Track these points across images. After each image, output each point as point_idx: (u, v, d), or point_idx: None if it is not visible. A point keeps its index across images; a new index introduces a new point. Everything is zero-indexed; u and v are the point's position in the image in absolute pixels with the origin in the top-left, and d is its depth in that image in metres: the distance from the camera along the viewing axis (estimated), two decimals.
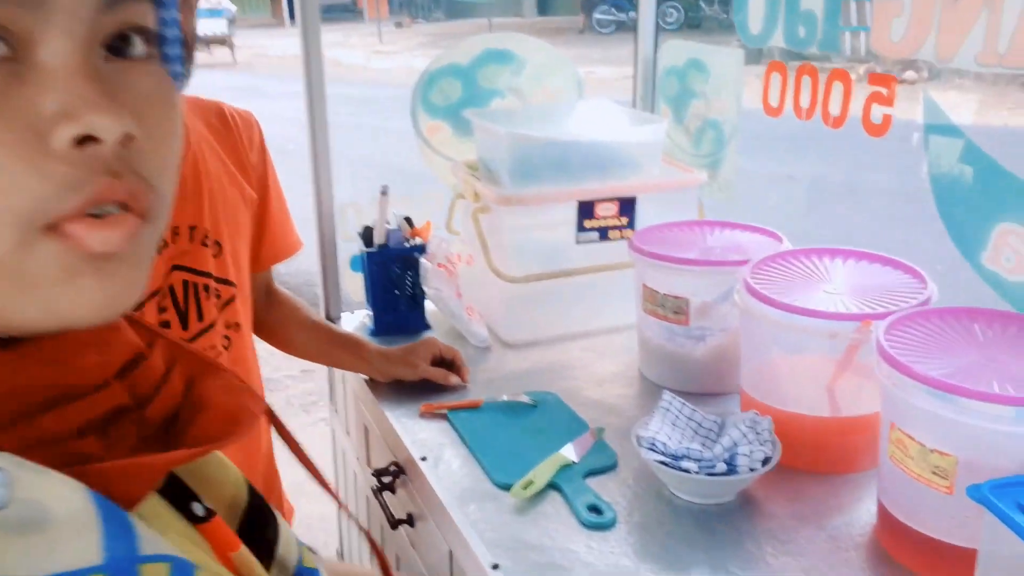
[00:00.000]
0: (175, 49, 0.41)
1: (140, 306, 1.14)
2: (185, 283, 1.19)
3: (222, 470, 0.54)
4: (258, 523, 0.53)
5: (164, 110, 0.41)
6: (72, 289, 0.38)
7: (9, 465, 0.35)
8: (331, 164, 1.69)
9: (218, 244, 1.22)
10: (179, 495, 0.47)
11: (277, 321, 1.41)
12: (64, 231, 0.37)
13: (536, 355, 1.58)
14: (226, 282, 1.24)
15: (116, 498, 0.38)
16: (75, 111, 0.36)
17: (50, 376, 0.41)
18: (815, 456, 1.18)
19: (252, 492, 0.55)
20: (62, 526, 0.34)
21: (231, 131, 1.29)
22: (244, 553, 0.47)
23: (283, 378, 3.77)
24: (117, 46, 0.39)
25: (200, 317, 1.21)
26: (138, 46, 0.40)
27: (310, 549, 0.57)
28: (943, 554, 0.94)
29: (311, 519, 2.43)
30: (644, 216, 1.60)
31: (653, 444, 1.13)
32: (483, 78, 1.86)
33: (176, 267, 1.18)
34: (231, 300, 1.26)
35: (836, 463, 1.18)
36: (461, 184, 1.74)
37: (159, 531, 0.40)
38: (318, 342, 1.46)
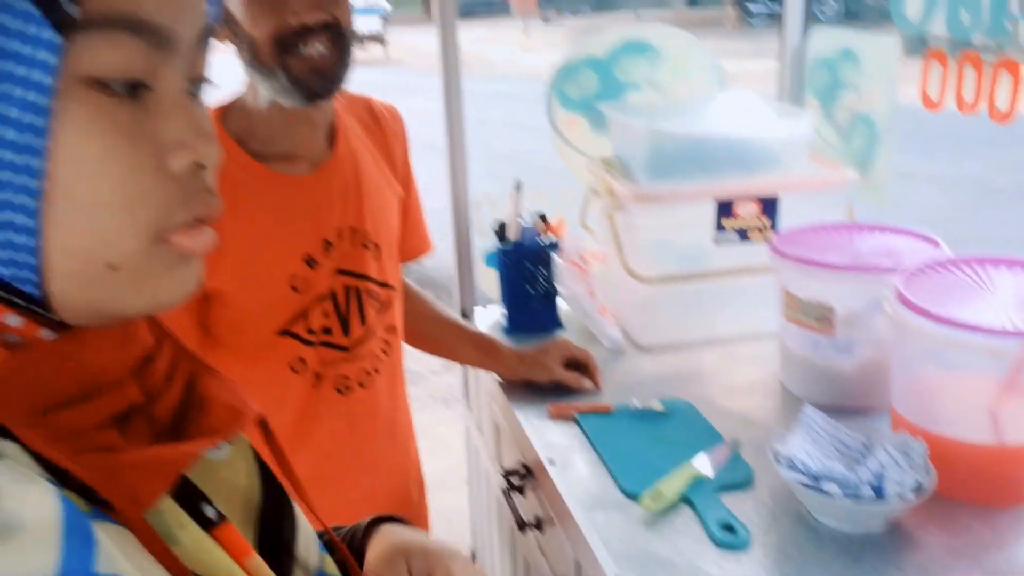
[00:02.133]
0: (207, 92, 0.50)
1: (306, 313, 1.16)
2: (347, 288, 1.19)
3: (231, 469, 0.55)
4: (274, 523, 0.55)
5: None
6: (170, 281, 0.46)
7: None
8: (467, 159, 1.70)
9: (377, 246, 1.23)
10: (189, 498, 0.49)
11: (409, 316, 1.41)
12: (169, 239, 0.45)
13: (670, 360, 1.53)
14: (385, 285, 1.25)
15: (136, 494, 0.42)
16: (189, 141, 0.44)
17: (76, 371, 0.45)
18: (975, 486, 1.07)
19: (267, 489, 0.56)
20: (28, 535, 0.38)
21: (380, 126, 1.30)
22: (257, 561, 0.49)
23: (425, 372, 3.85)
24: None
25: (363, 321, 1.21)
26: (199, 88, 0.49)
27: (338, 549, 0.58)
28: None
29: (450, 512, 2.47)
30: (788, 216, 1.52)
31: (792, 462, 1.07)
32: (620, 71, 1.82)
33: (339, 271, 1.18)
34: (389, 303, 1.26)
35: (999, 495, 1.07)
36: (596, 180, 1.70)
37: (176, 527, 0.45)
38: (450, 339, 1.46)
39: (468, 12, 18.50)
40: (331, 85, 1.11)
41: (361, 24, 14.70)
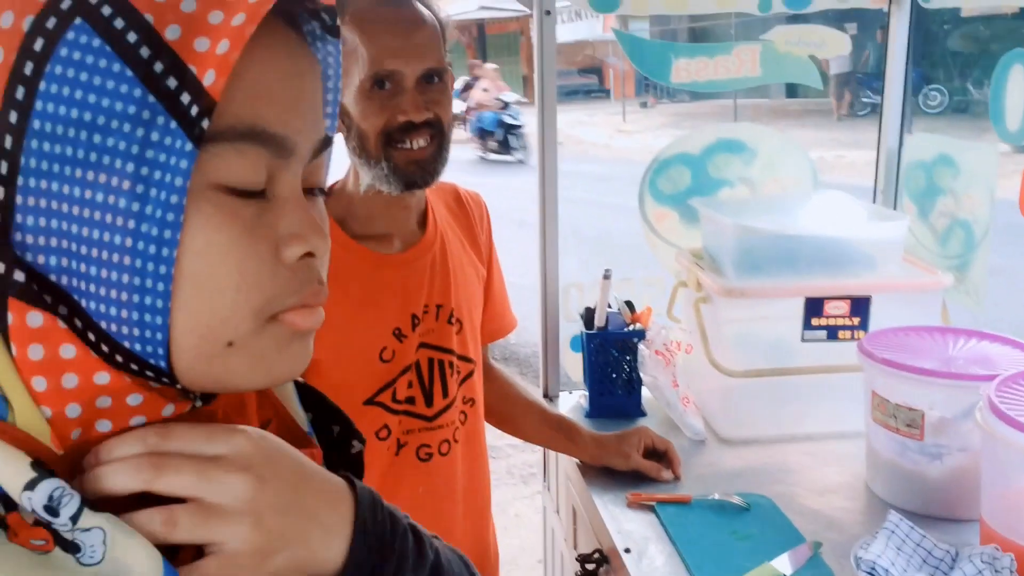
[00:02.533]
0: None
1: (392, 382, 1.22)
2: (431, 360, 1.26)
3: None
4: None
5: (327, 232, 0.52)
6: (284, 357, 0.49)
7: (108, 525, 0.43)
8: (558, 244, 1.75)
9: (460, 322, 1.29)
10: None
11: (492, 397, 1.45)
12: (282, 319, 0.49)
13: (752, 454, 1.52)
14: (466, 359, 1.31)
15: None
16: (303, 234, 0.48)
17: None
18: None
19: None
20: None
21: (465, 211, 1.38)
22: None
23: (505, 446, 3.86)
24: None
25: (445, 394, 1.27)
26: (316, 193, 0.53)
27: None
28: None
29: None
30: (880, 318, 1.51)
31: (874, 569, 1.05)
32: (713, 167, 1.86)
33: (423, 344, 1.25)
34: (469, 376, 1.32)
35: None
36: (684, 272, 1.73)
37: None
38: (531, 421, 1.49)
39: (568, 96, 18.87)
40: (429, 176, 1.19)
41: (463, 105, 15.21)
